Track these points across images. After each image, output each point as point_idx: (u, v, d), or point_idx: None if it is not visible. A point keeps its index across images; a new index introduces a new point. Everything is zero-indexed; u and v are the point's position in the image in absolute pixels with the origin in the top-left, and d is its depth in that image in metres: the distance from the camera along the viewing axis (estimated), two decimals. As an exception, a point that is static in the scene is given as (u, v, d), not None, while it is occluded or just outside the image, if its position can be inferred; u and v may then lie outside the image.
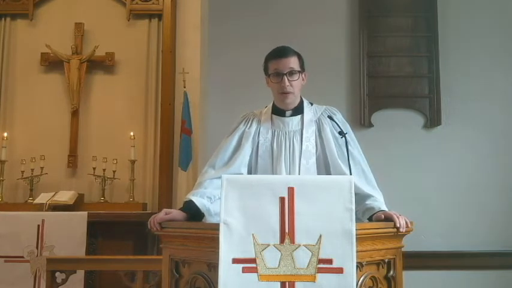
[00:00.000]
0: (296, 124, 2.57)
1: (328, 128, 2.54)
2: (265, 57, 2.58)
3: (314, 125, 2.57)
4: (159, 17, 5.56)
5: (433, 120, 3.52)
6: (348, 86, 3.56)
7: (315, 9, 3.62)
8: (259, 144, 2.56)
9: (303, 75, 2.57)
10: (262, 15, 3.60)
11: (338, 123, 2.49)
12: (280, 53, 2.52)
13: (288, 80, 2.48)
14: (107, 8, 5.62)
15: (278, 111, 2.60)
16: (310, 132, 2.55)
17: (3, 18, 5.59)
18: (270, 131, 2.58)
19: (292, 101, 2.57)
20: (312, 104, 2.64)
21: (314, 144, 2.53)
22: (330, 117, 2.54)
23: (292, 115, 2.59)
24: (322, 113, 2.59)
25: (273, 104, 2.64)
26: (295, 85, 2.51)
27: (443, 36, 3.57)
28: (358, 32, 3.58)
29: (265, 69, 2.59)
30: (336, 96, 3.53)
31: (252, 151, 2.56)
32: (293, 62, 2.49)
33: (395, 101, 3.56)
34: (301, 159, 2.51)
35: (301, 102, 2.62)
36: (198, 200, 2.34)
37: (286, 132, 2.56)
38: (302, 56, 2.57)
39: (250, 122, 2.62)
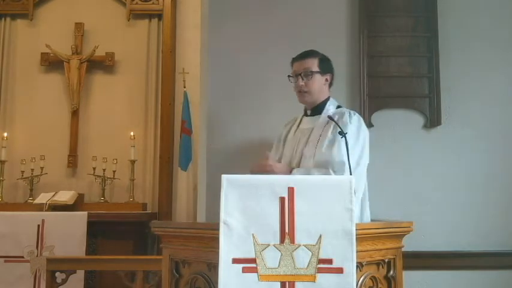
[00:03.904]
0: (311, 123, 2.75)
1: (330, 128, 2.62)
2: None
3: (325, 125, 2.67)
4: (159, 17, 5.56)
5: (433, 120, 3.52)
6: (348, 86, 3.56)
7: (315, 9, 3.62)
8: (287, 140, 2.83)
9: (327, 76, 2.74)
10: (262, 15, 3.60)
11: (338, 122, 2.55)
12: (300, 54, 2.74)
13: (302, 79, 2.67)
14: (107, 8, 5.62)
15: (305, 111, 2.86)
16: (316, 135, 2.67)
17: (3, 18, 5.59)
18: (293, 129, 2.83)
19: (310, 100, 2.76)
20: (339, 107, 2.79)
21: (316, 142, 2.63)
22: (330, 117, 2.60)
23: (311, 114, 2.80)
24: (343, 113, 2.70)
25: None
26: (311, 85, 2.68)
27: (443, 36, 3.57)
28: (358, 32, 3.57)
29: None
30: (336, 96, 3.50)
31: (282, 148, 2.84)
32: (310, 63, 2.68)
33: (395, 101, 3.55)
34: (302, 157, 2.64)
35: (324, 103, 2.76)
36: None
37: (304, 130, 2.76)
38: (327, 59, 2.76)
39: (289, 125, 2.92)
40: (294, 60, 2.77)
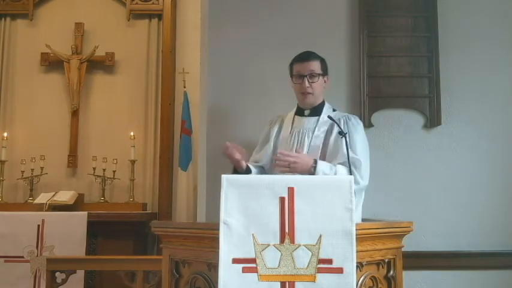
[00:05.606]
0: (312, 123, 2.79)
1: (336, 130, 2.71)
2: (291, 61, 2.84)
3: (328, 126, 2.74)
4: (159, 17, 5.56)
5: (433, 120, 3.52)
6: (348, 86, 3.55)
7: (315, 9, 3.62)
8: (280, 138, 2.84)
9: (325, 78, 2.82)
10: (262, 15, 3.59)
11: (339, 124, 2.65)
12: (303, 56, 2.78)
13: (308, 81, 2.72)
14: (107, 8, 5.62)
15: (299, 111, 2.87)
16: (321, 131, 2.74)
17: (3, 18, 5.59)
18: (290, 128, 2.83)
19: (312, 101, 2.81)
20: (334, 110, 2.85)
21: (321, 142, 2.72)
22: (330, 117, 2.68)
23: (310, 115, 2.82)
24: (339, 118, 2.76)
25: (297, 106, 2.89)
26: (315, 87, 2.75)
27: (443, 36, 3.56)
28: (358, 32, 3.57)
29: (290, 72, 2.84)
30: (336, 96, 3.52)
31: (273, 145, 2.85)
32: (314, 65, 2.75)
33: (395, 101, 3.55)
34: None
35: (322, 105, 2.84)
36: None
37: (301, 130, 2.79)
38: (325, 61, 2.82)
39: (274, 122, 2.94)
40: (296, 61, 2.80)
